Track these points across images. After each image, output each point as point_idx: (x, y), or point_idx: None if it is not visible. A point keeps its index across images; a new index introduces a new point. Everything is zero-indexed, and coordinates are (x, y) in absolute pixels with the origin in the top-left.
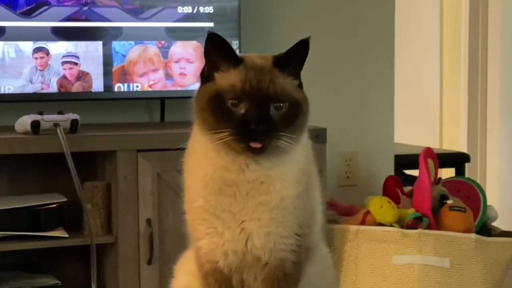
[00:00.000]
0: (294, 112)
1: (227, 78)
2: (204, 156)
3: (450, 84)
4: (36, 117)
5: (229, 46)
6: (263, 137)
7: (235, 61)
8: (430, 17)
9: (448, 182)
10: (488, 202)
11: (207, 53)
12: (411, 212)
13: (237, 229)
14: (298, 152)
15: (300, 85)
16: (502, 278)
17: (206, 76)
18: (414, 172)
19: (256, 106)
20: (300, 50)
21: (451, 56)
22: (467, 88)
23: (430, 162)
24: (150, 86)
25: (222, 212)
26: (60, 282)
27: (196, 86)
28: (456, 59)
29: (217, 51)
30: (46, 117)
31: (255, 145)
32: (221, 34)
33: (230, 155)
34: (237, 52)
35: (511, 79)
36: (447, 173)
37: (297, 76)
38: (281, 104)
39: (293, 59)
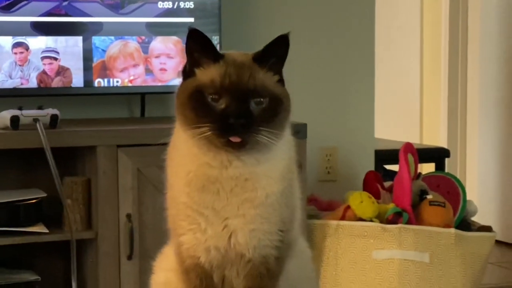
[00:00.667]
0: (275, 107)
1: (207, 74)
2: (186, 153)
3: (430, 79)
4: (16, 112)
5: (209, 42)
6: (242, 132)
7: (216, 57)
8: (411, 12)
9: (428, 177)
10: (468, 197)
11: (188, 49)
12: (391, 207)
13: (220, 225)
14: (281, 149)
15: (281, 81)
16: (481, 272)
17: (187, 72)
18: (395, 167)
19: (236, 101)
20: (279, 45)
21: (432, 52)
22: (447, 83)
23: (410, 157)
24: (130, 81)
25: (206, 209)
26: (40, 277)
27: (176, 81)
28: (436, 54)
29: (197, 47)
30: (26, 112)
31: (235, 139)
32: (201, 29)
33: (212, 151)
34: (218, 47)
35: (491, 74)
36: (427, 168)
37: (277, 72)
38: (261, 99)
39: (272, 54)
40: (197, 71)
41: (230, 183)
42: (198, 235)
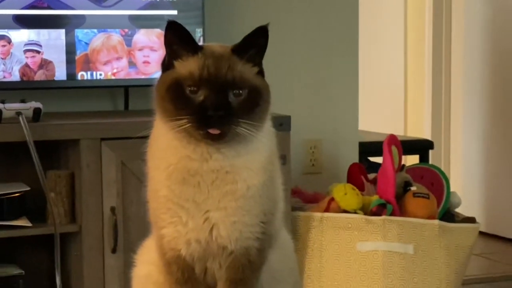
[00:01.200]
0: (254, 99)
1: (186, 66)
2: (167, 145)
3: (414, 71)
4: None
5: (188, 35)
6: (221, 123)
7: (194, 49)
8: (395, 5)
9: (411, 169)
10: (452, 189)
11: (167, 42)
12: (375, 199)
13: (201, 218)
14: (262, 141)
15: (260, 72)
16: (465, 263)
17: (166, 65)
18: (379, 159)
19: (214, 93)
20: (258, 37)
21: (416, 44)
22: (431, 75)
23: (394, 149)
24: (113, 74)
25: (186, 201)
26: (23, 271)
27: (159, 74)
28: (420, 47)
29: (176, 39)
30: (8, 105)
31: (214, 131)
32: (184, 22)
33: (192, 144)
34: (201, 40)
35: (474, 67)
36: (411, 160)
37: (257, 63)
38: (240, 91)
39: (251, 46)
40: (176, 63)
41: (211, 176)
42: (179, 228)
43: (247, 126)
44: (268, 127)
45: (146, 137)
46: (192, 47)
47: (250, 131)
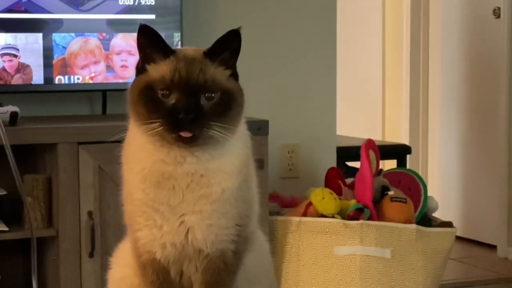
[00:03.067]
0: (226, 102)
1: (158, 70)
2: (141, 149)
3: (392, 76)
4: None
5: (160, 38)
6: (192, 126)
7: (166, 52)
8: (372, 9)
9: (389, 173)
10: (429, 193)
11: (140, 45)
12: (352, 203)
13: (176, 222)
14: (235, 145)
15: (233, 75)
16: (442, 268)
17: (139, 68)
18: (357, 164)
19: (186, 96)
20: (230, 40)
21: (393, 49)
22: (409, 80)
23: (372, 154)
24: (91, 78)
25: (161, 205)
26: (0, 276)
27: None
28: (398, 51)
29: (148, 43)
30: None
31: (185, 134)
32: (163, 26)
33: (165, 147)
34: (179, 44)
35: (452, 72)
36: (389, 164)
37: (230, 66)
38: (212, 94)
39: (223, 49)
40: (148, 67)
41: (186, 179)
42: (154, 231)
43: (219, 129)
44: (242, 130)
45: (123, 141)
46: (164, 50)
47: (223, 134)
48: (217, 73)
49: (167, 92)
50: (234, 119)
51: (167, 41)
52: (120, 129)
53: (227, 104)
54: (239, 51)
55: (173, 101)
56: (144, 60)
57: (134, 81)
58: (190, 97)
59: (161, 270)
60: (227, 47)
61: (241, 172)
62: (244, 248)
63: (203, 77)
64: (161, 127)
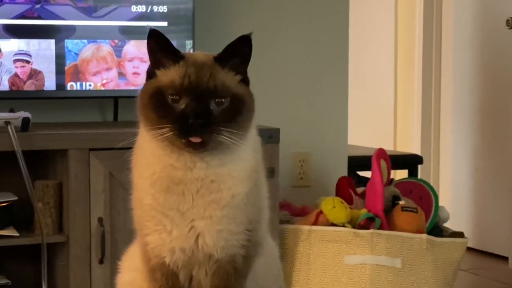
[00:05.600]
0: (236, 107)
1: (167, 75)
2: (151, 154)
3: (404, 86)
4: None
5: (169, 43)
6: (202, 132)
7: (176, 57)
8: (385, 19)
9: (400, 183)
10: (440, 203)
11: (150, 51)
12: (363, 212)
13: (185, 227)
14: (246, 150)
15: (244, 81)
16: (452, 278)
17: (149, 73)
18: (367, 174)
19: (195, 101)
20: (241, 45)
21: (405, 58)
22: (421, 90)
23: (383, 163)
24: (103, 85)
25: (170, 210)
26: (10, 281)
27: None
28: (410, 61)
29: (158, 48)
30: None
31: (195, 139)
32: (175, 34)
33: (175, 153)
34: (191, 52)
35: (465, 81)
36: (400, 174)
37: (240, 72)
38: (222, 100)
39: (234, 54)
40: (158, 72)
41: (196, 185)
42: (164, 236)
43: (229, 134)
44: (253, 135)
45: (133, 147)
46: (173, 55)
47: (232, 139)
48: (227, 78)
49: (177, 97)
50: (244, 125)
51: (179, 49)
52: (131, 136)
53: (237, 110)
54: (249, 57)
55: (182, 106)
56: (154, 65)
57: (144, 86)
58: (200, 102)
59: (170, 274)
60: (238, 53)
61: (251, 177)
62: (254, 253)
63: (213, 82)
64: (171, 132)
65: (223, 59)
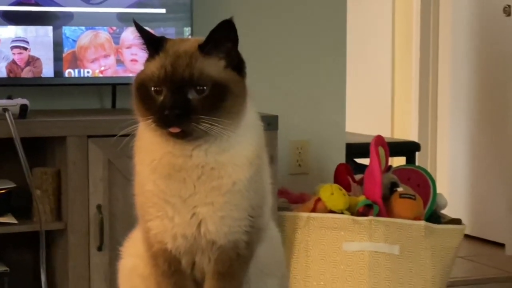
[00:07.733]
0: (219, 94)
1: (150, 66)
2: (151, 141)
3: (401, 73)
4: None
5: (148, 34)
6: (179, 122)
7: (157, 48)
8: (382, 6)
9: (398, 170)
10: (438, 190)
11: (140, 42)
12: (361, 199)
13: (188, 214)
14: (246, 136)
15: (232, 66)
16: (450, 265)
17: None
18: (365, 161)
19: (171, 92)
20: (223, 30)
21: (403, 46)
22: (418, 78)
23: (381, 150)
24: (101, 72)
25: (172, 197)
26: (8, 268)
27: None
28: (407, 49)
29: (142, 39)
30: None
31: (174, 130)
32: (173, 21)
33: (171, 140)
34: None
35: (462, 70)
36: (398, 162)
37: (226, 57)
38: (204, 87)
39: (216, 40)
40: (145, 63)
41: (196, 172)
42: (165, 222)
43: (210, 122)
44: (253, 121)
45: (132, 135)
46: (154, 46)
47: (216, 127)
48: (208, 65)
49: (159, 89)
50: (229, 111)
51: (178, 36)
52: (129, 123)
53: (220, 96)
54: (235, 41)
55: (162, 98)
56: (146, 56)
57: (134, 77)
58: (176, 92)
59: (173, 260)
60: (221, 38)
61: (253, 163)
62: (257, 239)
63: (189, 71)
64: (153, 124)
65: (205, 46)
